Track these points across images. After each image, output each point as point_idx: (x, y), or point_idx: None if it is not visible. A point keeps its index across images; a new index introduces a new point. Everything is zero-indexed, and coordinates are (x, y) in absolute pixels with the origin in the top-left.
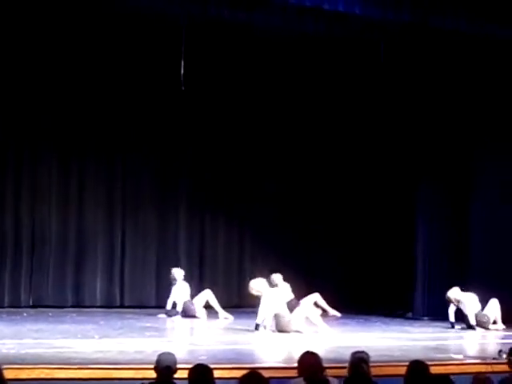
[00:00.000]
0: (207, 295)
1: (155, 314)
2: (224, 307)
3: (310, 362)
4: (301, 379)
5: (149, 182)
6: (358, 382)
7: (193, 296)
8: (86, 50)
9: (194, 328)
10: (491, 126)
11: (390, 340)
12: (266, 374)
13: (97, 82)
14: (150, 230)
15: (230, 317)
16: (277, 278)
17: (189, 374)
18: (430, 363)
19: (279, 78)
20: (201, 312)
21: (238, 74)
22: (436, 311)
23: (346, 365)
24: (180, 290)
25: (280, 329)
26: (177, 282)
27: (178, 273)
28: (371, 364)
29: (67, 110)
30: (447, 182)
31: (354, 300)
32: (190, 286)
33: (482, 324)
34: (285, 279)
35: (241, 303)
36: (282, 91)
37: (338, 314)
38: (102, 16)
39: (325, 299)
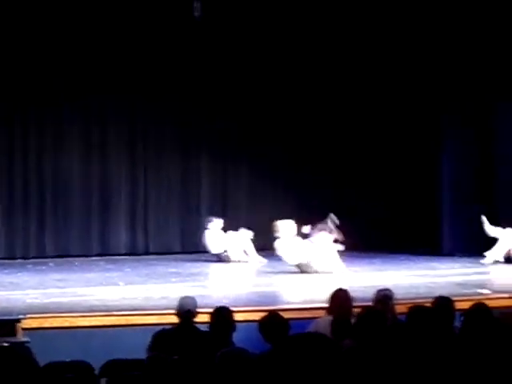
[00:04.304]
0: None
1: (180, 260)
2: None
3: (342, 299)
4: (327, 318)
5: (170, 128)
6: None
7: None
8: None
9: (218, 272)
10: None
11: (416, 277)
12: (286, 315)
13: (112, 29)
14: (172, 176)
15: (264, 260)
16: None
17: (210, 317)
18: (455, 299)
19: (301, 9)
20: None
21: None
22: (464, 246)
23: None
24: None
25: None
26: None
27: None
28: (397, 302)
29: (86, 56)
30: (471, 112)
31: (380, 238)
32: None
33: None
34: (309, 221)
35: (264, 247)
36: (304, 22)
37: None
38: None
39: (350, 238)
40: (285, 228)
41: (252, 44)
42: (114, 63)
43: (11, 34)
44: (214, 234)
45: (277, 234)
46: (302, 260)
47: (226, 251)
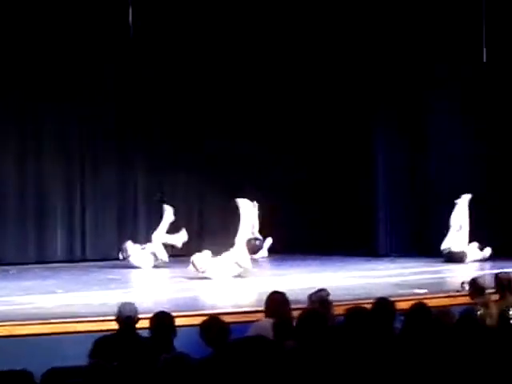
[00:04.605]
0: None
1: (118, 267)
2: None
3: (278, 302)
4: (267, 321)
5: (107, 135)
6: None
7: None
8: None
9: (156, 278)
10: (447, 50)
11: (354, 279)
12: (226, 319)
13: (48, 35)
14: (109, 181)
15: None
16: None
17: (150, 323)
18: (394, 299)
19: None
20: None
21: (191, 20)
22: (400, 247)
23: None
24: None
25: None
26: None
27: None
28: (336, 303)
29: (20, 62)
30: (404, 111)
31: (315, 240)
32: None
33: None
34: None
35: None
36: (235, 26)
37: None
38: None
39: (284, 240)
40: (203, 261)
41: (180, 50)
42: (50, 70)
43: None
44: (136, 256)
45: (200, 270)
46: (238, 271)
47: (160, 260)
